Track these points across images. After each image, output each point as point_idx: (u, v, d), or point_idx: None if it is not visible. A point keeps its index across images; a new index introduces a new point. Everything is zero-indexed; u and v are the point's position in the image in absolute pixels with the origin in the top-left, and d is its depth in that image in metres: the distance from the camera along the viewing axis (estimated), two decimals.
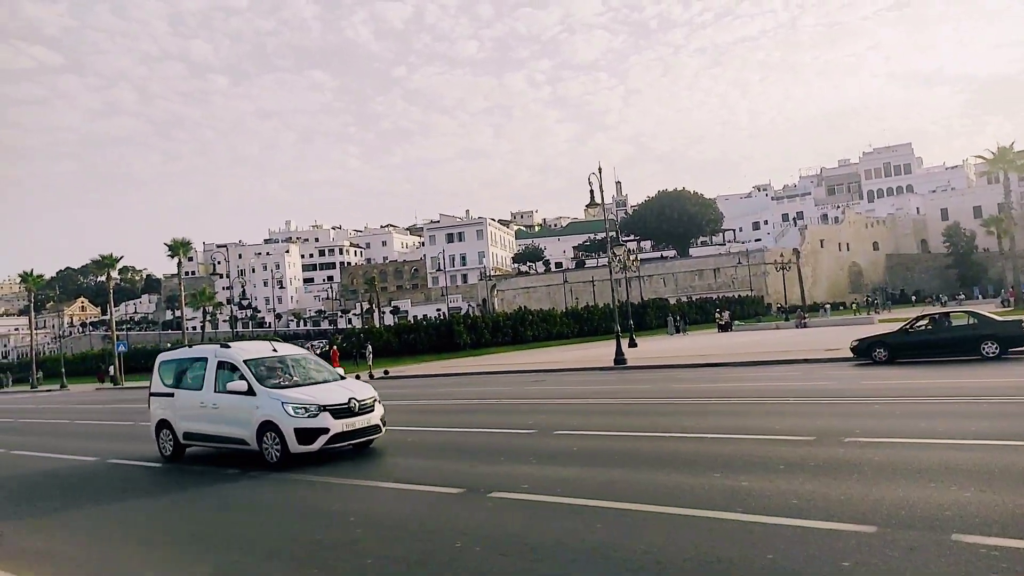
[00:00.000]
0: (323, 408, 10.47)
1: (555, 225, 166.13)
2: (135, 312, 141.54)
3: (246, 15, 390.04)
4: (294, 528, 7.30)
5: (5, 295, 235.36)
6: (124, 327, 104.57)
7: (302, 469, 10.12)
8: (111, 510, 9.06)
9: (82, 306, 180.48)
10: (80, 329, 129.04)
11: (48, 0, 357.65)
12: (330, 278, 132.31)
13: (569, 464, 9.05)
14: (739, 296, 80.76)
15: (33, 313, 79.04)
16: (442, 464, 10.01)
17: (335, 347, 37.10)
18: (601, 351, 38.48)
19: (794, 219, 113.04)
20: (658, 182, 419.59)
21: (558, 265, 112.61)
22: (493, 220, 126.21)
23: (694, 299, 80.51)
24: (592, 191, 28.96)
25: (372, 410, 11.04)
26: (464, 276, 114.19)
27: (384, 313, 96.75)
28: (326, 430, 10.37)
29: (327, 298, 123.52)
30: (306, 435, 10.27)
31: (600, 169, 29.27)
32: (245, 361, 11.35)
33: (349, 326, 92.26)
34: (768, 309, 78.42)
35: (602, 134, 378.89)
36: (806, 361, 23.68)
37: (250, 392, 10.80)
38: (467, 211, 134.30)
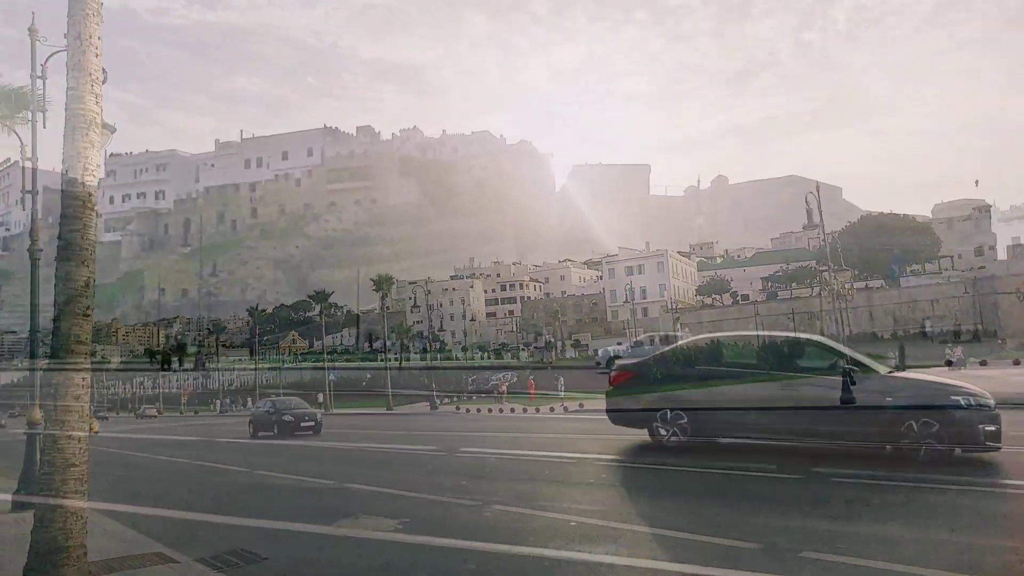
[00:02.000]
0: None
1: (739, 256, 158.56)
2: (339, 344, 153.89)
3: None
4: None
5: (230, 329, 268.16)
6: (330, 358, 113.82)
7: None
8: None
9: (293, 339, 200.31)
10: (294, 360, 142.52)
11: None
12: (511, 312, 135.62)
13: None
14: (965, 330, 71.45)
15: (257, 345, 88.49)
16: None
17: (531, 379, 37.47)
18: None
19: None
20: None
21: (744, 297, 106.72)
22: (673, 252, 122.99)
23: (910, 333, 72.33)
24: (809, 210, 26.70)
25: None
26: (644, 309, 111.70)
27: (565, 347, 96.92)
28: None
29: (509, 331, 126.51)
30: None
31: (818, 187, 26.95)
32: None
33: (531, 359, 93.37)
34: (1004, 344, 68.24)
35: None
36: None
37: None
38: (647, 243, 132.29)
